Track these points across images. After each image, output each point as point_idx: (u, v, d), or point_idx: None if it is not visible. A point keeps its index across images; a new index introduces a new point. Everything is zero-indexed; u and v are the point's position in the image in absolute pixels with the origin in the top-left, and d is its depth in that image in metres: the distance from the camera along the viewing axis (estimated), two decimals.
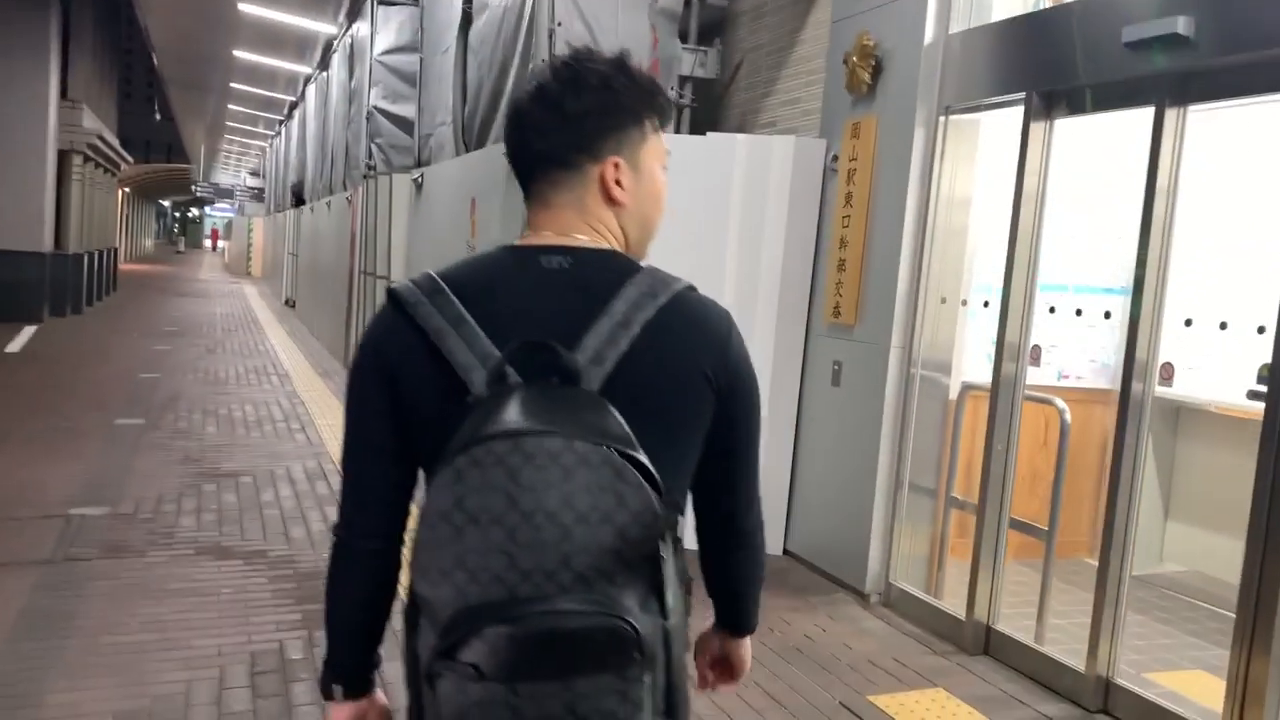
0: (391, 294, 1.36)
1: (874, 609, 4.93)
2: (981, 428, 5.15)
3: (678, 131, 6.19)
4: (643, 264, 1.40)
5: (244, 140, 37.08)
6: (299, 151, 22.33)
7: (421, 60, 9.72)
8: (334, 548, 1.43)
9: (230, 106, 27.36)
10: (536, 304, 1.32)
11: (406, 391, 1.34)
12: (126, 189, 36.30)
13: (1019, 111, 4.39)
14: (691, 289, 1.38)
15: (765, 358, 5.60)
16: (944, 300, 4.83)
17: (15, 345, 12.98)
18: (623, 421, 1.22)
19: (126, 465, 6.97)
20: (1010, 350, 4.37)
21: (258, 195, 40.30)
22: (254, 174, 44.93)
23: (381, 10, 11.74)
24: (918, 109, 4.80)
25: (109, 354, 12.82)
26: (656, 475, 1.19)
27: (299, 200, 21.37)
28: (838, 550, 5.25)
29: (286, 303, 22.31)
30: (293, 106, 23.94)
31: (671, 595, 1.21)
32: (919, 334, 4.84)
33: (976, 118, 4.78)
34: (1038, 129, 4.29)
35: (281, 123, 27.19)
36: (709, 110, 6.60)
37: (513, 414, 1.18)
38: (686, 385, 1.36)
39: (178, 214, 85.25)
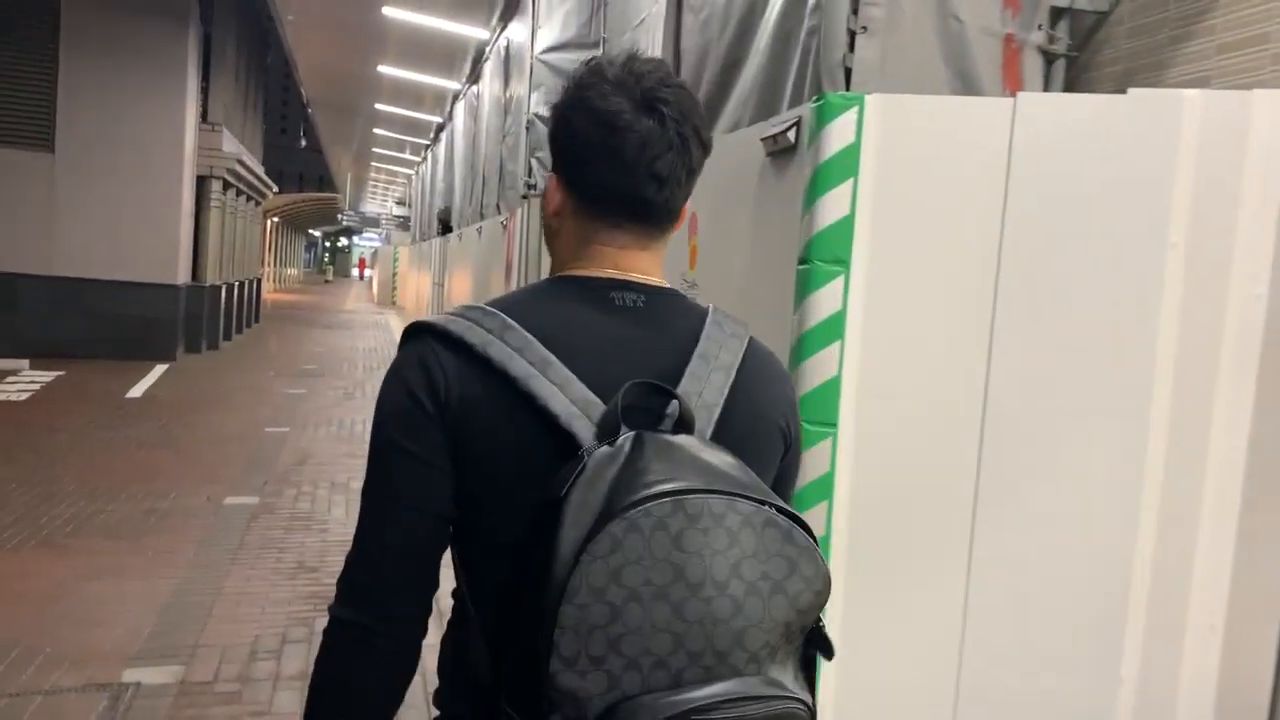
0: (438, 332, 1.14)
1: None
2: None
3: (1047, 88, 3.92)
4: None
5: (390, 168, 36.58)
6: (446, 175, 20.92)
7: (604, 43, 7.74)
8: (336, 632, 1.14)
9: (376, 131, 26.43)
10: (621, 344, 1.14)
11: (472, 442, 1.11)
12: (275, 218, 36.15)
13: None
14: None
15: (1235, 454, 3.26)
16: None
17: (137, 390, 11.54)
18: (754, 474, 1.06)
19: (220, 582, 5.08)
20: None
21: (403, 224, 39.77)
22: (400, 203, 44.66)
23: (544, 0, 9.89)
24: None
25: (237, 400, 11.25)
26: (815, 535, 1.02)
27: (446, 228, 19.90)
28: None
29: None
30: (439, 129, 22.64)
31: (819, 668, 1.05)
32: None
33: None
34: None
35: (428, 147, 26.05)
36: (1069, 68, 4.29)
37: (658, 470, 0.98)
38: (770, 433, 1.21)
39: (328, 244, 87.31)
